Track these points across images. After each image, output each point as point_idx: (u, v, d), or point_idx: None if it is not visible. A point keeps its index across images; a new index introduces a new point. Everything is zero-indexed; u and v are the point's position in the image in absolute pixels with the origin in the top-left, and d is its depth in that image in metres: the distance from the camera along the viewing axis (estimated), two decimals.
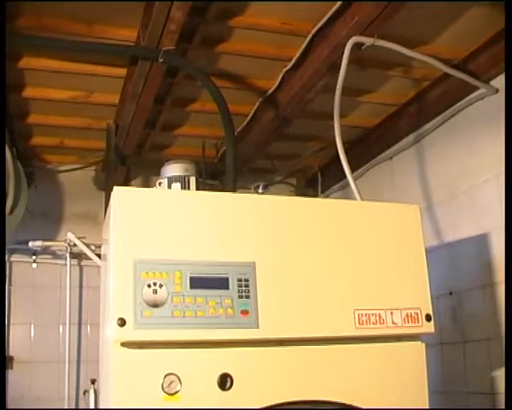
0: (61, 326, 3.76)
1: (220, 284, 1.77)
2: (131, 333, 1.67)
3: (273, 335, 1.80)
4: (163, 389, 1.71)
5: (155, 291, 1.71)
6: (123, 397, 1.70)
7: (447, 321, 2.88)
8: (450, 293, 2.88)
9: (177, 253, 1.77)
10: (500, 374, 2.59)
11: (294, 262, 1.88)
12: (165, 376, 1.71)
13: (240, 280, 1.79)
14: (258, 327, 1.77)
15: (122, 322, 1.67)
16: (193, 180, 2.21)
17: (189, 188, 2.20)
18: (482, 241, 2.69)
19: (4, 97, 2.75)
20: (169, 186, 2.20)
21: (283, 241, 1.89)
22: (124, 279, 1.71)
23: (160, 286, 1.72)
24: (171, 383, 1.72)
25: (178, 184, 2.18)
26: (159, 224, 1.79)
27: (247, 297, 1.78)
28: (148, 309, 1.69)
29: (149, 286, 1.71)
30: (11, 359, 3.66)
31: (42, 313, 3.76)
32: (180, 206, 1.85)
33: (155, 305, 1.70)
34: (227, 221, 1.86)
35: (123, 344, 1.71)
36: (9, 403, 3.57)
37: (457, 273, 2.86)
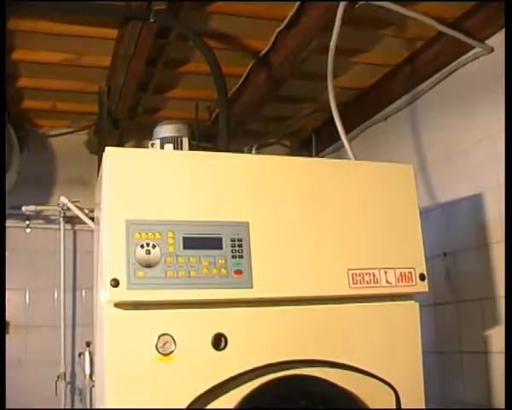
0: (55, 291, 3.77)
1: (213, 243, 1.77)
2: (125, 293, 1.67)
3: (267, 294, 1.80)
4: (157, 349, 1.72)
5: (148, 252, 1.71)
6: (117, 358, 1.70)
7: (441, 282, 2.89)
8: (445, 254, 2.89)
9: (170, 213, 1.77)
10: (493, 333, 2.60)
11: (288, 222, 1.87)
12: (160, 336, 1.72)
13: (233, 240, 1.78)
14: (251, 287, 1.77)
15: (115, 283, 1.67)
16: (186, 141, 2.19)
17: (181, 149, 2.18)
18: (476, 201, 2.69)
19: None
20: (162, 147, 2.18)
21: (277, 200, 1.88)
22: (117, 240, 1.70)
23: (153, 246, 1.72)
24: (165, 344, 1.72)
25: (171, 145, 2.16)
26: (151, 184, 1.78)
27: (241, 257, 1.78)
28: (141, 269, 1.69)
29: (142, 247, 1.71)
30: (7, 324, 3.66)
31: (36, 277, 3.76)
32: (173, 166, 1.84)
33: (148, 265, 1.70)
34: (220, 181, 1.85)
35: (116, 305, 1.71)
36: (6, 368, 3.58)
37: (451, 234, 2.86)
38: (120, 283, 1.67)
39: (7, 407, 3.51)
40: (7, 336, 3.65)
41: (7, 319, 3.65)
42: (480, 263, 2.68)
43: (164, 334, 1.72)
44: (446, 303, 2.87)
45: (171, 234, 1.74)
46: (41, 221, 3.79)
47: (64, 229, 3.71)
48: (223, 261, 1.76)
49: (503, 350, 2.45)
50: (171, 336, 1.72)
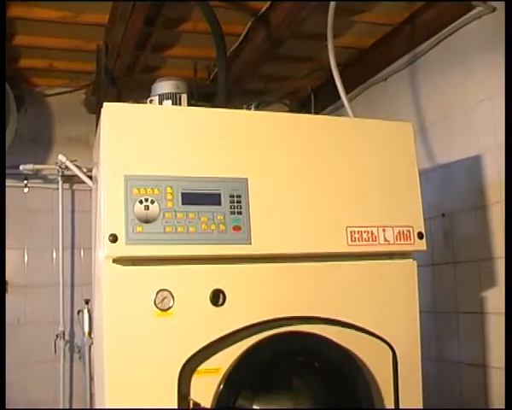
0: (54, 251, 3.77)
1: (212, 199, 1.77)
2: (123, 249, 1.68)
3: (265, 251, 1.81)
4: (155, 305, 1.73)
5: (147, 207, 1.71)
6: (116, 314, 1.72)
7: (439, 243, 2.90)
8: (443, 215, 2.89)
9: (168, 169, 1.76)
10: (489, 294, 2.62)
11: (287, 179, 1.87)
12: (158, 292, 1.73)
13: (232, 196, 1.78)
14: (250, 243, 1.77)
15: (114, 238, 1.67)
16: (184, 98, 2.17)
17: (180, 106, 2.17)
18: (475, 162, 2.68)
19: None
20: (160, 103, 2.16)
21: (276, 157, 1.88)
22: (115, 195, 1.70)
23: (152, 202, 1.72)
24: (163, 299, 1.73)
25: (169, 102, 2.14)
26: (150, 140, 1.78)
27: (239, 213, 1.78)
28: (139, 225, 1.69)
29: (141, 202, 1.71)
30: (6, 283, 3.68)
31: (35, 237, 3.77)
32: (172, 122, 1.83)
33: (147, 221, 1.70)
34: (219, 137, 1.85)
35: (115, 261, 1.72)
36: (6, 327, 3.61)
37: (450, 195, 2.86)
38: (119, 238, 1.67)
39: (8, 362, 3.57)
40: (6, 296, 3.67)
41: (5, 278, 3.66)
42: (478, 224, 2.68)
43: (162, 290, 1.73)
44: (443, 264, 2.88)
45: (169, 189, 1.74)
46: (39, 181, 3.79)
47: (62, 188, 3.70)
48: (221, 217, 1.76)
49: (499, 311, 2.48)
50: (170, 292, 1.73)
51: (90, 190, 3.01)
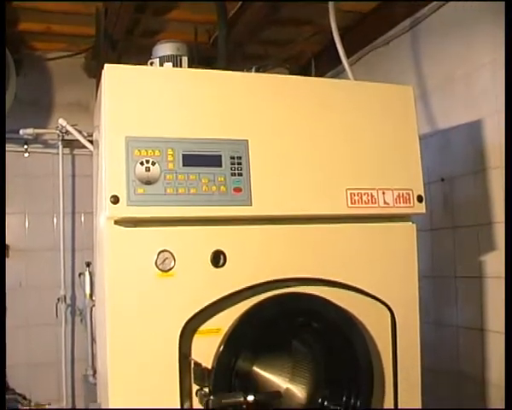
0: (54, 215, 3.79)
1: (213, 161, 1.77)
2: (125, 210, 1.68)
3: (266, 212, 1.81)
4: (157, 266, 1.74)
5: (148, 169, 1.71)
6: (117, 275, 1.73)
7: (438, 207, 2.91)
8: (442, 179, 2.89)
9: (169, 131, 1.76)
10: (487, 259, 2.63)
11: (287, 140, 1.87)
12: (159, 253, 1.74)
13: (232, 158, 1.79)
14: (250, 204, 1.78)
15: (115, 199, 1.67)
16: (185, 60, 2.17)
17: (181, 68, 2.16)
18: (475, 127, 2.68)
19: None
20: (161, 66, 2.15)
21: (276, 119, 1.88)
22: (116, 157, 1.70)
23: (153, 164, 1.72)
24: (164, 260, 1.74)
25: (170, 64, 2.14)
26: (151, 102, 1.77)
27: (240, 175, 1.78)
28: (141, 186, 1.70)
29: (142, 164, 1.71)
30: (7, 247, 3.70)
31: (36, 202, 3.78)
32: (173, 83, 1.83)
33: (148, 182, 1.70)
34: (220, 99, 1.84)
35: (117, 222, 1.73)
36: (7, 291, 3.63)
37: (450, 160, 2.86)
38: (120, 199, 1.68)
39: (10, 326, 3.61)
40: (7, 260, 3.69)
41: (6, 242, 3.68)
42: (477, 189, 2.68)
43: (163, 250, 1.74)
44: (443, 229, 2.89)
45: (170, 151, 1.74)
46: (39, 146, 3.78)
47: (62, 153, 3.70)
48: (222, 179, 1.77)
49: (498, 275, 2.49)
50: (171, 253, 1.75)
51: (91, 154, 3.02)
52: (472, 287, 2.71)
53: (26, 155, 3.75)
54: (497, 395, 2.58)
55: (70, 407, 3.75)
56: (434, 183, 2.91)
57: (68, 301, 3.73)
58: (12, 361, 3.62)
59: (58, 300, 3.67)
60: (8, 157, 3.56)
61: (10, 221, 3.69)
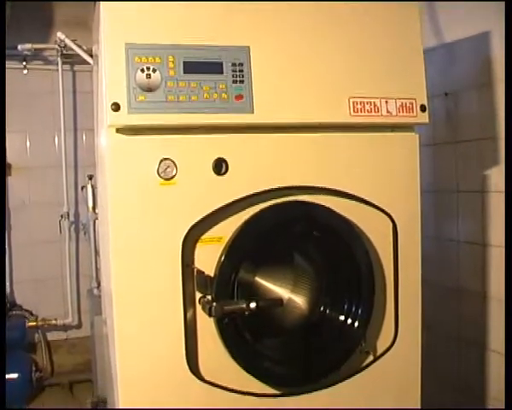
0: (55, 133, 3.77)
1: (214, 68, 1.74)
2: (126, 117, 1.67)
3: (267, 120, 1.80)
4: (159, 174, 1.74)
5: (149, 76, 1.69)
6: (120, 184, 1.72)
7: (441, 122, 2.89)
8: (446, 94, 2.86)
9: (170, 37, 1.73)
10: (490, 173, 2.63)
11: (290, 48, 1.84)
12: (161, 161, 1.73)
13: (234, 65, 1.76)
14: (252, 112, 1.77)
15: (116, 107, 1.66)
16: None
17: None
18: (481, 40, 2.64)
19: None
20: None
21: (278, 26, 1.84)
22: (116, 64, 1.68)
23: (154, 71, 1.70)
24: (166, 168, 1.74)
25: None
26: (151, 8, 1.73)
27: (242, 82, 1.76)
28: (141, 94, 1.68)
29: (143, 71, 1.69)
30: (9, 166, 3.71)
31: (36, 120, 3.77)
32: None
33: (149, 89, 1.69)
34: (221, 5, 1.79)
35: (118, 131, 1.71)
36: (11, 210, 3.66)
37: (454, 74, 2.83)
38: (121, 107, 1.66)
39: (15, 244, 3.65)
40: (9, 178, 3.70)
41: (8, 161, 3.69)
42: (481, 103, 2.66)
43: (165, 159, 1.73)
44: (445, 143, 2.88)
45: (171, 58, 1.71)
46: (39, 62, 3.74)
47: (62, 69, 3.66)
48: (223, 86, 1.75)
49: (500, 190, 2.49)
50: (173, 161, 1.74)
51: (91, 71, 2.98)
52: (474, 202, 2.72)
53: (25, 72, 3.71)
54: (496, 308, 2.62)
55: (76, 322, 3.83)
56: (438, 97, 2.88)
57: (72, 217, 3.76)
58: (18, 278, 3.69)
59: (61, 216, 3.70)
60: (7, 74, 3.54)
61: (11, 140, 3.69)
